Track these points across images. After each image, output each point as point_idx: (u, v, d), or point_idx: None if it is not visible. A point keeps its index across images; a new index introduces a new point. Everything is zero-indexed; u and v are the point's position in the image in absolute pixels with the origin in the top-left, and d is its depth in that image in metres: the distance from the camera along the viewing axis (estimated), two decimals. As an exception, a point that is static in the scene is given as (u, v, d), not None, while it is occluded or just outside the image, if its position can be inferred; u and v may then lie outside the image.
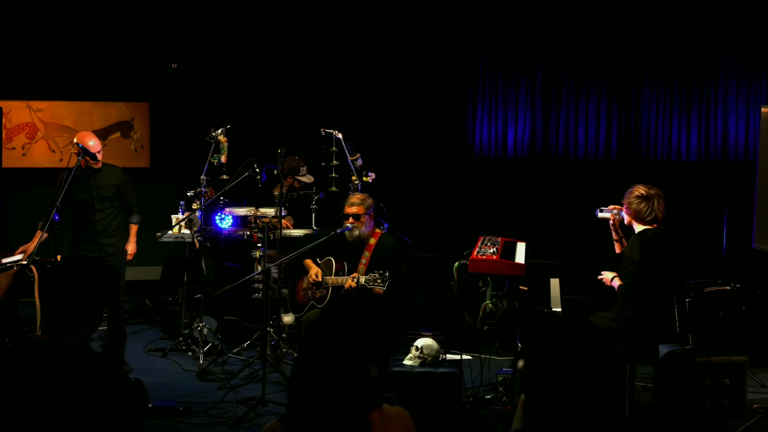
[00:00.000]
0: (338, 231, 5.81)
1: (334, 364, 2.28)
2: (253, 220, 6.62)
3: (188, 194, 6.63)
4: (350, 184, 6.55)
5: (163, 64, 9.46)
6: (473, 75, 9.04)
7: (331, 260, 5.83)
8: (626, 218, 5.14)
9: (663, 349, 5.41)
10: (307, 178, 7.22)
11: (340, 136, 6.63)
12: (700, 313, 6.01)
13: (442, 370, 5.12)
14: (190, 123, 9.21)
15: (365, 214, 5.76)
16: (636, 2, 8.52)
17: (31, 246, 5.88)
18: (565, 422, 2.35)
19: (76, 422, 2.47)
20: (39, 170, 9.21)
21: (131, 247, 6.36)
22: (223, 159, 6.46)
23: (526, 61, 8.88)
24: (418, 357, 5.17)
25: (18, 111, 9.31)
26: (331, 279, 5.74)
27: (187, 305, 7.22)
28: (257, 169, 6.30)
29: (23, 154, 9.36)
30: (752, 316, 6.21)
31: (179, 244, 7.26)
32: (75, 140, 6.08)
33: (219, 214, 6.70)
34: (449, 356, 5.36)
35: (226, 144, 6.45)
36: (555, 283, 5.56)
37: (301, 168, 7.19)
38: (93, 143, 6.04)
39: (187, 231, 6.84)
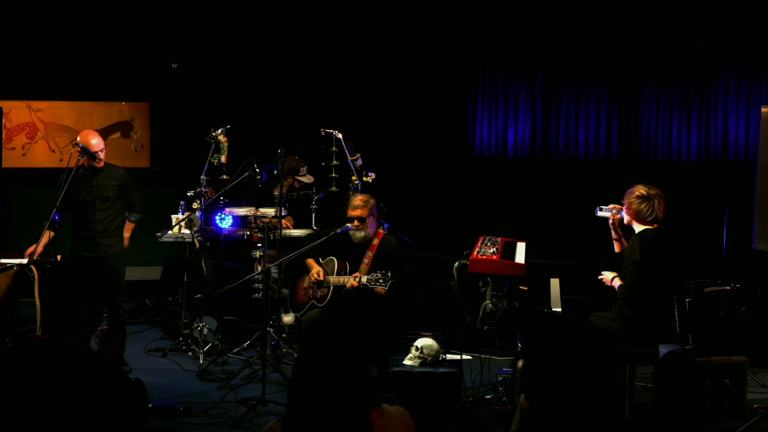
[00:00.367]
0: (338, 231, 5.81)
1: (335, 364, 2.27)
2: (253, 220, 6.62)
3: (188, 194, 6.63)
4: (350, 184, 6.55)
5: (163, 64, 9.46)
6: (473, 75, 9.04)
7: (333, 260, 5.83)
8: (626, 218, 5.14)
9: (663, 349, 5.42)
10: (307, 179, 7.22)
11: (340, 136, 6.63)
12: (700, 313, 6.01)
13: (442, 370, 5.12)
14: (190, 123, 9.21)
15: (369, 215, 5.76)
16: (636, 2, 8.52)
17: (40, 246, 5.90)
18: (564, 422, 2.36)
19: (76, 422, 2.47)
20: (39, 170, 9.21)
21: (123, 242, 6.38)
22: (223, 159, 6.45)
23: (526, 61, 8.88)
24: (418, 357, 5.17)
25: (18, 111, 9.31)
26: (333, 278, 5.73)
27: (187, 305, 7.22)
28: (257, 169, 6.30)
29: (23, 154, 9.36)
30: (752, 316, 6.21)
31: (179, 244, 7.27)
32: (78, 139, 6.08)
33: (219, 214, 6.70)
34: (449, 356, 5.36)
35: (226, 144, 6.45)
36: (555, 283, 5.57)
37: (301, 168, 7.20)
38: (95, 142, 6.04)
39: (187, 231, 6.84)
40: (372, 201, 5.81)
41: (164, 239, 6.91)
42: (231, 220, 6.73)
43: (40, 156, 9.37)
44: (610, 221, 5.34)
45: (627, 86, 8.68)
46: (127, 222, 6.43)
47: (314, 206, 6.76)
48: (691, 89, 8.51)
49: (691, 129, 8.55)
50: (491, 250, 5.30)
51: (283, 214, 6.43)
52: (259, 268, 6.26)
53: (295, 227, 6.96)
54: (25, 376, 2.53)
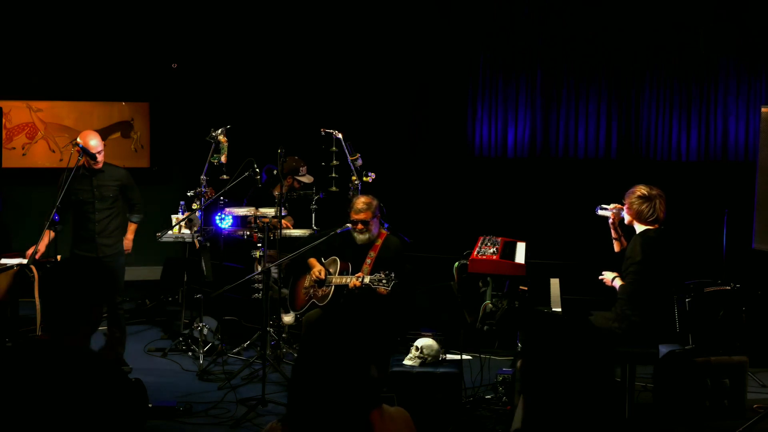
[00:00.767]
0: (338, 231, 5.81)
1: (335, 364, 2.27)
2: (253, 220, 6.62)
3: (188, 194, 6.63)
4: (350, 184, 6.54)
5: (163, 64, 9.47)
6: (473, 75, 9.04)
7: (336, 260, 5.83)
8: (627, 218, 5.13)
9: (663, 349, 5.41)
10: (307, 179, 7.22)
11: (340, 136, 6.62)
12: (700, 313, 6.01)
13: (442, 370, 5.12)
14: (190, 123, 9.21)
15: (373, 218, 5.76)
16: (636, 2, 8.52)
17: (42, 246, 5.91)
18: (564, 422, 2.35)
19: (76, 422, 2.47)
20: (39, 170, 9.21)
21: (126, 244, 6.39)
22: (223, 159, 6.45)
23: (526, 61, 8.88)
24: (418, 357, 5.17)
25: (18, 111, 9.32)
26: (336, 278, 5.73)
27: (187, 305, 7.22)
28: (257, 169, 6.30)
29: (23, 154, 9.36)
30: (752, 316, 6.21)
31: (179, 244, 7.27)
32: (78, 139, 6.08)
33: (219, 214, 6.70)
34: (449, 356, 5.36)
35: (226, 144, 6.45)
36: (555, 283, 5.56)
37: (301, 168, 7.19)
38: (94, 143, 6.04)
39: (187, 231, 6.84)
40: (375, 203, 5.80)
41: (164, 239, 6.91)
42: (231, 220, 6.73)
43: (40, 156, 9.37)
44: (610, 220, 5.34)
45: (627, 86, 8.68)
46: (129, 223, 6.43)
47: (314, 206, 6.76)
48: (691, 89, 8.51)
49: (691, 129, 8.55)
50: (491, 250, 5.30)
51: (283, 214, 6.42)
52: (259, 268, 6.26)
53: (295, 227, 6.96)
54: (25, 376, 2.52)
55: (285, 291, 6.29)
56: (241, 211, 6.67)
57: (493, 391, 5.50)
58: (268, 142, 7.19)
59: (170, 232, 6.89)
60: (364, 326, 2.33)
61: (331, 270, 5.83)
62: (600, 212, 5.37)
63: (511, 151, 9.03)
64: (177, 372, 6.33)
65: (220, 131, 6.45)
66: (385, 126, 9.07)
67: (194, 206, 6.64)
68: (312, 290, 5.91)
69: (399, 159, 8.96)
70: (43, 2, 9.21)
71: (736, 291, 6.08)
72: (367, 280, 5.49)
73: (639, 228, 5.08)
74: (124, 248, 6.38)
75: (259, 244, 6.32)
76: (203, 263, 6.58)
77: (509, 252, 5.43)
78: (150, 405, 5.28)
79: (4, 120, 9.11)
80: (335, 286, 5.72)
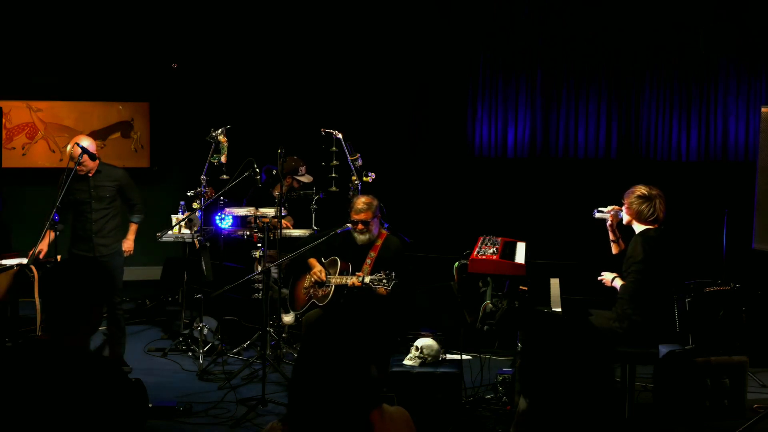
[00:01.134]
0: (338, 231, 5.81)
1: (335, 363, 2.27)
2: (253, 220, 6.62)
3: (188, 194, 6.62)
4: (350, 184, 6.54)
5: (163, 64, 9.47)
6: (473, 75, 9.04)
7: (336, 260, 5.83)
8: (626, 218, 5.13)
9: (663, 349, 5.42)
10: (306, 178, 7.22)
11: (340, 136, 6.62)
12: (700, 313, 6.00)
13: (442, 370, 5.12)
14: (190, 123, 9.21)
15: (373, 218, 5.76)
16: (636, 2, 8.51)
17: (44, 245, 5.90)
18: (564, 422, 2.35)
19: (77, 422, 2.47)
20: (39, 170, 9.22)
21: (127, 245, 6.37)
22: (223, 159, 6.45)
23: (526, 61, 8.88)
24: (418, 357, 5.17)
25: (18, 111, 9.32)
26: (336, 278, 5.73)
27: (187, 305, 7.22)
28: (257, 169, 6.30)
29: (23, 154, 9.36)
30: (752, 316, 6.21)
31: (179, 244, 7.27)
32: (69, 147, 6.03)
33: (219, 214, 6.70)
34: (449, 356, 5.36)
35: (226, 144, 6.45)
36: (555, 283, 5.56)
37: (300, 168, 7.19)
38: (81, 146, 5.98)
39: (187, 231, 6.84)
40: (375, 203, 5.80)
41: (164, 239, 6.90)
42: (231, 220, 6.73)
43: (40, 156, 9.38)
44: (609, 222, 5.34)
45: (627, 86, 8.68)
46: (130, 224, 6.42)
47: (314, 206, 6.76)
48: (691, 89, 8.51)
49: (691, 129, 8.55)
50: (491, 250, 5.30)
51: (282, 214, 6.42)
52: (259, 268, 6.26)
53: (295, 227, 6.96)
54: (25, 376, 2.52)
55: (285, 291, 6.29)
56: (241, 211, 6.67)
57: (493, 391, 5.50)
58: (268, 142, 7.18)
59: (170, 232, 6.89)
60: (364, 326, 2.33)
61: (331, 270, 5.82)
62: (597, 215, 5.36)
63: (511, 151, 9.03)
64: (177, 372, 6.33)
65: (220, 131, 6.45)
66: (385, 126, 9.07)
67: (194, 206, 6.64)
68: (312, 290, 5.90)
69: (399, 159, 8.96)
70: (43, 2, 9.21)
71: (736, 291, 6.08)
72: (367, 280, 5.49)
73: (638, 228, 5.08)
74: (125, 249, 6.36)
75: (259, 244, 6.32)
76: (203, 263, 6.58)
77: (509, 252, 5.43)
78: (150, 405, 5.28)
79: (4, 120, 9.11)
80: (335, 286, 5.72)
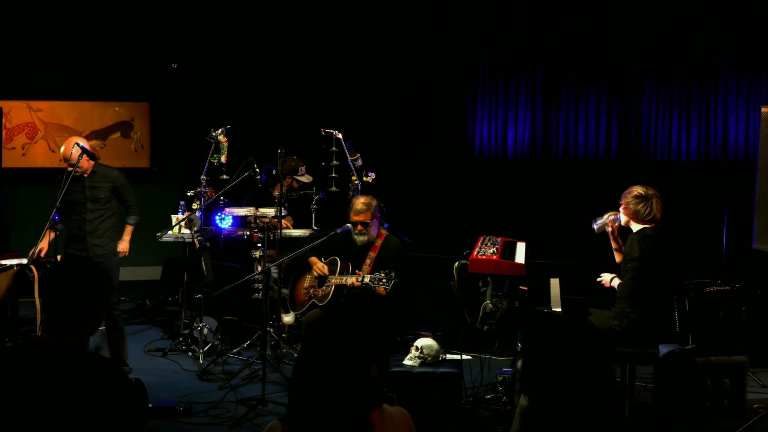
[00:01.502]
0: (338, 231, 5.81)
1: (335, 363, 2.27)
2: (253, 220, 6.62)
3: (188, 194, 6.62)
4: (350, 184, 6.54)
5: (163, 64, 9.47)
6: (473, 75, 9.04)
7: (336, 260, 5.83)
8: (624, 219, 5.16)
9: (663, 349, 5.42)
10: (306, 178, 7.22)
11: (340, 136, 6.62)
12: (700, 313, 6.00)
13: (442, 370, 5.12)
14: (190, 123, 9.21)
15: (372, 219, 5.76)
16: (636, 2, 8.51)
17: (45, 245, 5.91)
18: (564, 422, 2.35)
19: (77, 422, 2.47)
20: (39, 170, 9.22)
21: (122, 246, 6.37)
22: (223, 159, 6.45)
23: (526, 61, 8.88)
24: (418, 357, 5.17)
25: (18, 111, 9.32)
26: (336, 278, 5.73)
27: (187, 305, 7.22)
28: (257, 169, 6.30)
29: (23, 154, 9.36)
30: (752, 316, 6.21)
31: (179, 244, 7.27)
32: (62, 149, 6.03)
33: (219, 214, 6.70)
34: (449, 356, 5.35)
35: (226, 144, 6.45)
36: (555, 283, 5.56)
37: (300, 168, 7.19)
38: (70, 151, 5.99)
39: (187, 231, 6.84)
40: (374, 203, 5.80)
41: (164, 239, 6.90)
42: (231, 220, 6.73)
43: (40, 156, 9.38)
44: (610, 230, 5.34)
45: (627, 86, 8.68)
46: (126, 225, 6.41)
47: (314, 206, 6.76)
48: (691, 89, 8.51)
49: (691, 129, 8.55)
50: (491, 250, 5.30)
51: (282, 214, 6.42)
52: (259, 268, 6.26)
53: (295, 227, 6.96)
54: (25, 376, 2.52)
55: (285, 291, 6.29)
56: (241, 211, 6.67)
57: (493, 391, 5.50)
58: (268, 142, 7.18)
59: (170, 232, 6.89)
60: (364, 326, 2.33)
61: (331, 270, 5.82)
62: (596, 225, 5.35)
63: (511, 151, 9.03)
64: (177, 372, 6.33)
65: (220, 131, 6.45)
66: (385, 126, 9.07)
67: (194, 206, 6.63)
68: (312, 290, 5.90)
69: (399, 159, 8.96)
70: (43, 2, 9.21)
71: (736, 291, 6.08)
72: (367, 279, 5.49)
73: (636, 227, 5.10)
74: (120, 251, 6.35)
75: (259, 244, 6.32)
76: (203, 263, 6.58)
77: (509, 252, 5.43)
78: (150, 405, 5.28)
79: (4, 120, 9.11)
80: (335, 286, 5.72)
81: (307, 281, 5.97)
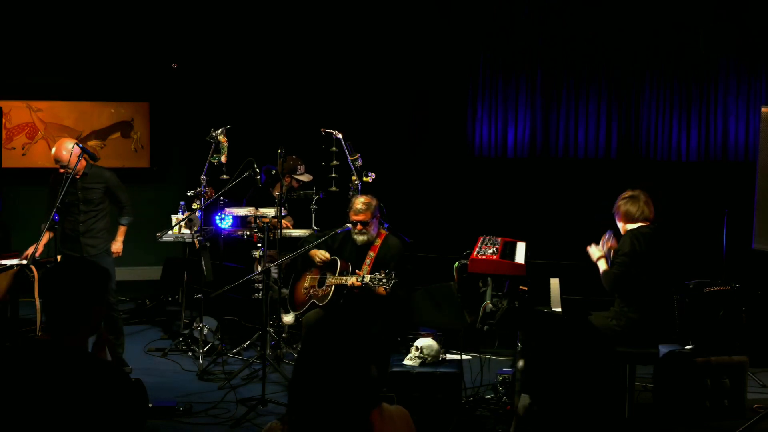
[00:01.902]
0: (338, 231, 5.81)
1: (335, 363, 2.27)
2: (253, 220, 6.62)
3: (188, 194, 6.63)
4: (350, 184, 6.54)
5: (163, 64, 9.47)
6: (473, 75, 9.04)
7: (336, 260, 5.83)
8: (620, 225, 5.24)
9: (663, 349, 5.42)
10: (306, 177, 7.21)
11: (340, 136, 6.62)
12: (700, 313, 6.01)
13: (442, 370, 5.12)
14: (190, 123, 9.21)
15: (372, 218, 5.76)
16: (636, 2, 8.51)
17: (40, 246, 5.91)
18: (565, 422, 2.36)
19: (77, 422, 2.47)
20: (39, 170, 9.21)
21: (116, 246, 6.38)
22: (223, 159, 6.45)
23: (526, 61, 8.88)
24: (418, 357, 5.17)
25: (18, 111, 9.32)
26: (335, 278, 5.73)
27: (187, 305, 7.22)
28: (257, 169, 6.30)
29: (23, 154, 9.36)
30: (752, 316, 6.21)
31: (179, 244, 7.27)
32: (53, 154, 6.04)
33: (219, 214, 6.70)
34: (449, 356, 5.35)
35: (226, 144, 6.45)
36: (555, 283, 5.56)
37: (299, 167, 7.18)
38: (66, 154, 6.00)
39: (187, 231, 6.84)
40: (374, 202, 5.80)
41: (164, 239, 6.90)
42: (231, 220, 6.73)
43: (40, 156, 9.37)
44: (608, 247, 5.35)
45: (627, 86, 8.68)
46: (119, 226, 6.42)
47: (314, 206, 6.76)
48: (691, 89, 8.51)
49: (691, 129, 8.55)
50: (491, 250, 5.30)
51: (282, 214, 6.42)
52: (259, 268, 6.26)
53: (295, 227, 6.96)
54: (25, 376, 2.52)
55: (285, 291, 6.29)
56: (241, 211, 6.67)
57: (493, 391, 5.50)
58: (268, 142, 7.18)
59: (170, 232, 6.89)
60: (364, 326, 2.33)
61: (330, 270, 5.82)
62: (596, 253, 5.31)
63: (511, 151, 9.03)
64: (177, 372, 6.33)
65: (220, 131, 6.45)
66: (385, 126, 9.07)
67: (194, 206, 6.64)
68: (312, 290, 5.90)
69: (399, 159, 8.96)
70: (43, 2, 9.21)
71: (736, 291, 6.08)
72: (367, 279, 5.49)
73: (630, 228, 5.16)
74: (114, 251, 6.36)
75: (259, 244, 6.32)
76: (203, 263, 6.58)
77: (509, 252, 5.43)
78: (150, 405, 5.28)
79: (4, 120, 9.11)
80: (335, 285, 5.72)
81: (307, 281, 5.97)
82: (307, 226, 6.77)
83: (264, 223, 6.12)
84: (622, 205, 5.18)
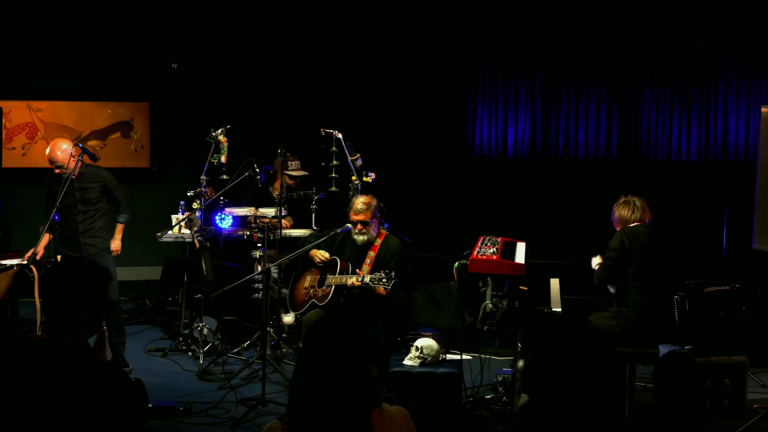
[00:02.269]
0: (338, 231, 5.81)
1: (336, 363, 2.27)
2: (252, 220, 6.62)
3: (188, 194, 6.63)
4: (350, 184, 6.54)
5: (163, 64, 9.47)
6: (473, 75, 9.04)
7: (336, 260, 5.82)
8: (617, 230, 5.30)
9: (663, 349, 5.42)
10: (297, 173, 7.14)
11: (340, 136, 6.62)
12: (700, 313, 6.01)
13: (442, 370, 5.12)
14: (190, 123, 9.21)
15: (372, 218, 5.76)
16: (636, 2, 8.51)
17: (40, 247, 5.91)
18: (565, 421, 2.36)
19: (77, 422, 2.47)
20: (39, 170, 9.16)
21: (115, 245, 6.38)
22: (223, 159, 6.45)
23: (526, 61, 8.88)
24: (418, 357, 5.17)
25: (18, 111, 9.32)
26: (335, 278, 5.73)
27: (187, 305, 7.22)
28: (257, 169, 6.30)
29: (23, 154, 9.36)
30: (752, 316, 6.21)
31: (179, 244, 7.27)
32: (48, 154, 6.04)
33: (219, 214, 6.70)
34: (449, 356, 5.36)
35: (226, 144, 6.45)
36: (555, 283, 5.56)
37: (290, 163, 7.12)
38: (61, 154, 6.00)
39: (187, 231, 6.84)
40: (374, 202, 5.80)
41: (164, 239, 6.90)
42: (231, 220, 6.73)
43: (40, 156, 9.34)
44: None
45: (627, 86, 8.68)
46: (117, 224, 6.43)
47: (314, 206, 6.76)
48: (691, 89, 8.51)
49: (691, 129, 8.55)
50: (491, 250, 5.30)
51: (282, 214, 6.42)
52: (259, 268, 6.26)
53: (295, 227, 6.96)
54: (25, 376, 2.52)
55: (285, 291, 6.28)
56: (241, 211, 6.67)
57: (493, 391, 5.50)
58: (268, 142, 7.18)
59: (170, 232, 6.89)
60: (364, 326, 2.33)
61: (330, 270, 5.82)
62: (597, 258, 5.46)
63: (511, 151, 9.03)
64: (177, 372, 6.33)
65: (220, 131, 6.45)
66: (385, 126, 9.07)
67: (194, 206, 6.64)
68: (312, 290, 5.90)
69: (399, 159, 8.96)
70: (43, 2, 9.21)
71: (736, 291, 6.08)
72: (367, 279, 5.49)
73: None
74: (113, 249, 6.37)
75: (259, 244, 6.32)
76: (203, 263, 6.58)
77: (509, 252, 5.43)
78: (150, 405, 5.28)
79: (4, 120, 9.11)
80: (335, 285, 5.72)
81: (307, 281, 5.97)
82: (307, 226, 6.77)
83: (264, 223, 6.12)
84: (617, 210, 5.30)
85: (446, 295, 6.00)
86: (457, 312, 5.52)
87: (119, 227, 6.44)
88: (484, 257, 5.15)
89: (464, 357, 5.48)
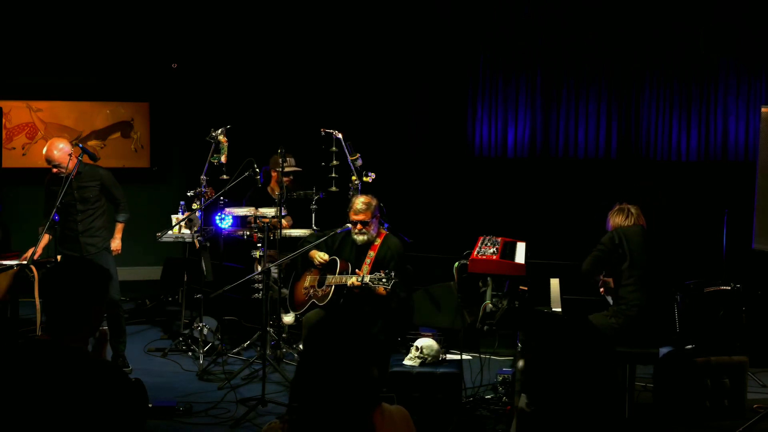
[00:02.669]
0: (338, 231, 5.81)
1: (337, 364, 2.27)
2: (252, 220, 6.62)
3: (188, 194, 6.63)
4: (350, 184, 6.54)
5: (163, 64, 9.47)
6: (473, 75, 9.04)
7: (336, 260, 5.82)
8: None
9: (663, 349, 5.42)
10: (292, 168, 7.10)
11: (340, 136, 6.62)
12: (700, 313, 6.01)
13: (442, 370, 5.12)
14: (190, 123, 9.21)
15: (372, 218, 5.76)
16: (636, 2, 8.51)
17: (39, 248, 5.91)
18: (565, 422, 2.35)
19: (77, 422, 2.47)
20: (39, 170, 9.13)
21: (115, 244, 6.39)
22: (223, 159, 6.45)
23: (526, 61, 8.88)
24: (418, 357, 5.17)
25: (18, 111, 9.31)
26: (335, 278, 5.73)
27: (187, 305, 7.22)
28: (257, 169, 6.30)
29: (23, 154, 9.36)
30: (752, 316, 6.21)
31: (179, 244, 7.26)
32: (45, 154, 6.05)
33: (219, 214, 6.70)
34: (449, 356, 5.36)
35: (226, 144, 6.45)
36: (555, 283, 5.57)
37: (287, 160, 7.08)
38: (58, 153, 6.01)
39: (187, 231, 6.84)
40: (374, 202, 5.80)
41: (164, 239, 6.90)
42: (231, 220, 6.73)
43: (40, 156, 9.31)
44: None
45: (627, 86, 8.68)
46: (117, 223, 6.43)
47: (314, 206, 6.75)
48: (691, 89, 8.51)
49: (691, 129, 8.55)
50: (491, 250, 5.30)
51: (282, 214, 6.42)
52: (259, 268, 6.26)
53: (295, 227, 6.96)
54: (25, 376, 2.52)
55: (285, 291, 6.28)
56: (241, 211, 6.66)
57: (493, 391, 5.50)
58: (268, 142, 7.18)
59: (170, 232, 6.89)
60: (364, 326, 2.32)
61: (330, 270, 5.82)
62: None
63: (511, 151, 9.03)
64: (177, 372, 6.33)
65: (220, 131, 6.45)
66: (385, 126, 9.07)
67: (194, 206, 6.64)
68: (312, 290, 5.90)
69: (399, 159, 8.96)
70: (43, 3, 9.21)
71: (736, 291, 6.09)
72: (367, 279, 5.49)
73: None
74: (113, 249, 6.37)
75: (259, 244, 6.32)
76: (203, 263, 6.58)
77: (509, 252, 5.43)
78: (150, 405, 5.28)
79: (4, 120, 9.11)
80: (335, 286, 5.72)
81: (307, 281, 5.97)
82: (307, 226, 6.77)
83: (264, 223, 6.12)
84: (611, 217, 5.34)
85: (446, 295, 5.99)
86: (457, 312, 5.51)
87: (119, 226, 6.45)
88: (484, 257, 5.15)
89: (464, 357, 5.48)
